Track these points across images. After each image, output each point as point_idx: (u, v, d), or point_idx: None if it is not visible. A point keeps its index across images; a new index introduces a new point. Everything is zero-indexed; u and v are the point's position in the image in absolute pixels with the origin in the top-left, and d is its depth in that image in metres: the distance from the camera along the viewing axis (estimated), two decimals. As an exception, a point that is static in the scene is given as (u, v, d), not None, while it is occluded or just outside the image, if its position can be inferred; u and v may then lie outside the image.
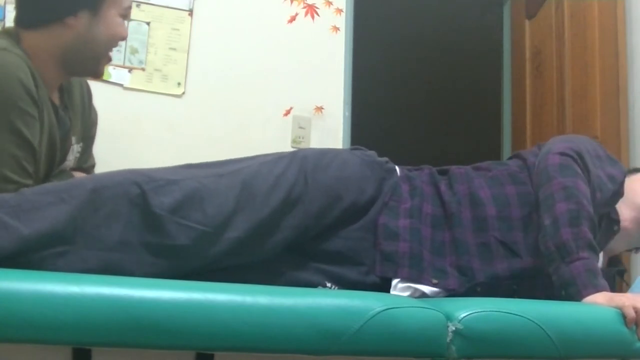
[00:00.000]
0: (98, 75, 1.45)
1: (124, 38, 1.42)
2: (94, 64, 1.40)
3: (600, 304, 1.09)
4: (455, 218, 1.28)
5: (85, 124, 1.52)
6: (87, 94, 1.54)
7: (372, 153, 1.35)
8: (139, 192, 1.09)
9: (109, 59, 1.43)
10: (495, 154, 3.45)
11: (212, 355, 0.88)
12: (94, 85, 1.59)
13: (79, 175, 1.46)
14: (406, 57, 4.67)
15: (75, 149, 1.47)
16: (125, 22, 1.43)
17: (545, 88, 2.89)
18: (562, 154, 1.27)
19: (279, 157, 1.24)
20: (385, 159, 1.36)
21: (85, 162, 1.55)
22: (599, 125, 2.40)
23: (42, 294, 0.81)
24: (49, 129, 1.31)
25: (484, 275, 1.23)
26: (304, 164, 1.23)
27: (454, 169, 1.38)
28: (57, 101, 1.39)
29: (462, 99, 4.91)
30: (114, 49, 1.42)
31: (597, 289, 1.12)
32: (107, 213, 1.07)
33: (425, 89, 4.90)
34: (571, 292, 1.13)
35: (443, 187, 1.33)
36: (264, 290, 0.95)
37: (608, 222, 1.37)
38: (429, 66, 4.75)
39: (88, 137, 1.55)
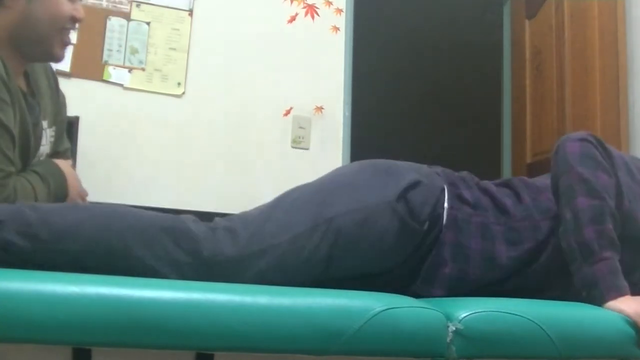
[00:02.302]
0: (57, 59, 1.40)
1: (72, 17, 1.36)
2: (44, 45, 1.35)
3: (627, 315, 1.07)
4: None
5: (56, 108, 1.51)
6: (53, 78, 1.52)
7: (419, 201, 1.21)
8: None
9: (66, 42, 1.38)
10: (495, 154, 3.45)
11: (212, 355, 0.88)
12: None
13: (61, 162, 1.44)
14: (406, 57, 4.67)
15: (49, 132, 1.46)
16: (76, 1, 1.37)
17: (545, 88, 2.89)
18: (582, 139, 1.24)
19: (313, 227, 1.17)
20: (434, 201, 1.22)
21: (60, 146, 1.54)
22: (599, 125, 2.41)
23: (42, 294, 0.81)
24: (20, 116, 1.30)
25: None
26: (337, 240, 1.17)
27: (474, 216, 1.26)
28: (24, 88, 1.37)
29: (462, 99, 4.91)
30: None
31: (620, 292, 1.10)
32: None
33: (425, 89, 4.90)
34: (594, 294, 1.11)
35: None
36: (263, 290, 0.95)
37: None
38: (429, 66, 4.75)
39: (60, 121, 1.53)
